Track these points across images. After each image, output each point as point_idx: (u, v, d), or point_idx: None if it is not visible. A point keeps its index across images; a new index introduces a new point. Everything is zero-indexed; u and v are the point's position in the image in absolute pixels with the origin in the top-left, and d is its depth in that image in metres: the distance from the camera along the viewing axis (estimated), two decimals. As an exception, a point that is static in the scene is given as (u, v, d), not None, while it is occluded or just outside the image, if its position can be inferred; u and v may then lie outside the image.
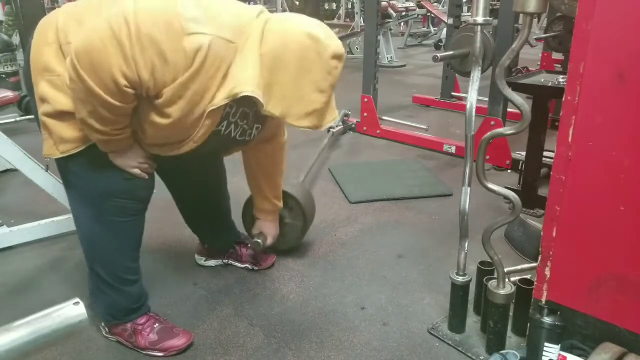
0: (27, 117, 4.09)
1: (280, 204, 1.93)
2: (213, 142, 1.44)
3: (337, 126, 3.70)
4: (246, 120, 1.50)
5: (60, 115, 1.34)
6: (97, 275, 1.54)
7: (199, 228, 2.01)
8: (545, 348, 1.28)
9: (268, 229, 1.94)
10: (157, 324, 1.60)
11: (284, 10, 8.78)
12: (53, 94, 1.33)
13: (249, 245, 2.00)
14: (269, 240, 1.94)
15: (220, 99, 1.27)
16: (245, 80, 1.27)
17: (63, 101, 1.32)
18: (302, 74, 1.30)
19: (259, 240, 1.92)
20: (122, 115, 1.29)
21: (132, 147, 1.40)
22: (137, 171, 1.43)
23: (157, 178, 1.61)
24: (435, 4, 9.33)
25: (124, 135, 1.34)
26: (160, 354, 1.57)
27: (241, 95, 1.27)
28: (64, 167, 1.45)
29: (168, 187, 1.83)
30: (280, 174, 1.87)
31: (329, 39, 1.31)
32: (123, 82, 1.19)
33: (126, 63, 1.18)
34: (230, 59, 1.26)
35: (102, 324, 1.64)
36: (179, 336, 1.59)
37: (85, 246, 1.55)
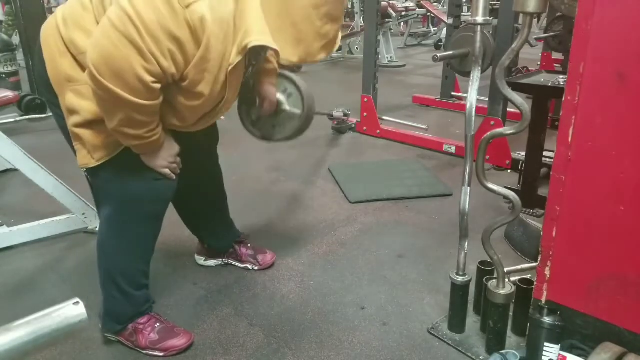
0: (27, 117, 4.10)
1: (277, 65, 1.74)
2: (247, 85, 1.47)
3: (336, 113, 3.73)
4: (263, 51, 1.49)
5: (91, 124, 1.35)
6: (113, 281, 1.54)
7: (197, 228, 2.01)
8: (545, 348, 1.28)
9: (266, 91, 1.72)
10: (158, 324, 1.60)
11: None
12: (81, 104, 1.33)
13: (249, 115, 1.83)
14: (266, 105, 1.72)
15: (234, 56, 1.27)
16: (251, 30, 1.26)
17: (92, 109, 1.32)
18: (314, 10, 1.28)
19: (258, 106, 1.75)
20: (153, 113, 1.30)
21: (163, 146, 1.42)
22: (167, 171, 1.46)
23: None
24: (435, 4, 9.33)
25: (157, 137, 1.36)
26: (161, 353, 1.57)
27: (250, 46, 1.26)
28: (95, 176, 1.45)
29: None
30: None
31: None
32: (149, 78, 1.20)
33: (145, 59, 1.18)
34: (232, 11, 1.25)
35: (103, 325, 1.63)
36: (180, 336, 1.60)
37: (106, 252, 1.55)
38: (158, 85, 1.23)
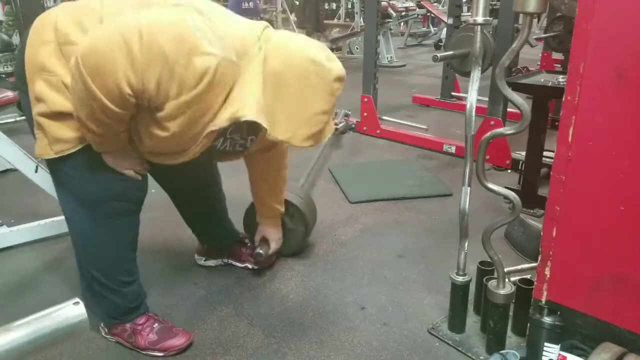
0: (27, 117, 4.09)
1: (282, 209, 1.93)
2: (209, 154, 1.46)
3: (340, 123, 3.71)
4: (239, 134, 1.53)
5: (56, 115, 1.33)
6: (92, 277, 1.53)
7: (196, 228, 2.01)
8: (545, 348, 1.28)
9: (271, 234, 1.94)
10: (156, 324, 1.60)
11: (283, 10, 8.77)
12: (50, 94, 1.32)
13: (252, 255, 1.97)
14: (273, 245, 1.94)
15: (223, 120, 1.28)
16: (248, 103, 1.27)
17: (60, 102, 1.32)
18: (306, 98, 1.31)
19: (260, 251, 1.91)
20: (119, 120, 1.28)
21: (126, 148, 1.40)
22: (131, 172, 1.43)
23: (151, 179, 1.61)
24: (435, 4, 9.33)
25: (119, 138, 1.34)
26: (160, 354, 1.57)
27: (244, 119, 1.27)
28: (57, 168, 1.44)
29: (162, 187, 1.83)
30: (282, 181, 1.88)
31: (331, 62, 1.33)
32: (127, 90, 1.19)
33: (134, 72, 1.18)
34: (234, 80, 1.26)
35: (102, 324, 1.63)
36: (179, 336, 1.60)
37: (79, 248, 1.54)
38: (133, 100, 1.22)
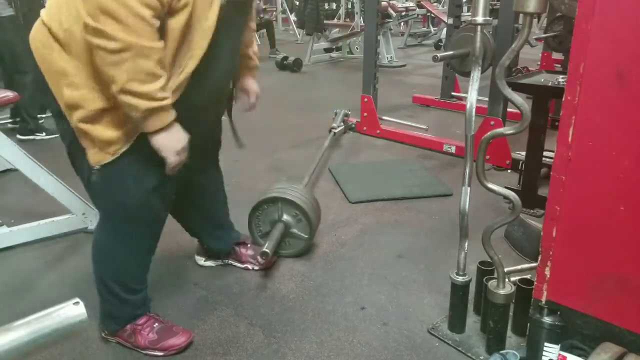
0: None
1: (257, 61, 1.85)
2: (228, 30, 1.41)
3: (338, 127, 3.70)
4: None
5: (97, 116, 1.31)
6: (104, 285, 1.55)
7: (197, 231, 2.00)
8: (545, 348, 1.28)
9: (250, 85, 1.83)
10: (156, 324, 1.60)
11: (283, 10, 8.77)
12: (81, 95, 1.29)
13: (258, 254, 1.96)
14: (252, 97, 1.84)
15: None
16: None
17: (94, 97, 1.29)
18: None
19: (267, 250, 1.91)
20: (159, 60, 1.25)
21: (174, 128, 1.34)
22: (176, 159, 1.37)
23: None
24: (435, 4, 9.34)
25: (167, 102, 1.29)
26: (161, 353, 1.57)
27: None
28: (106, 173, 1.39)
29: None
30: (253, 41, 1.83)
31: None
32: (147, 12, 1.18)
33: None
34: None
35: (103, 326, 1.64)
36: (179, 335, 1.60)
37: (99, 256, 1.55)
38: (157, 22, 1.22)
